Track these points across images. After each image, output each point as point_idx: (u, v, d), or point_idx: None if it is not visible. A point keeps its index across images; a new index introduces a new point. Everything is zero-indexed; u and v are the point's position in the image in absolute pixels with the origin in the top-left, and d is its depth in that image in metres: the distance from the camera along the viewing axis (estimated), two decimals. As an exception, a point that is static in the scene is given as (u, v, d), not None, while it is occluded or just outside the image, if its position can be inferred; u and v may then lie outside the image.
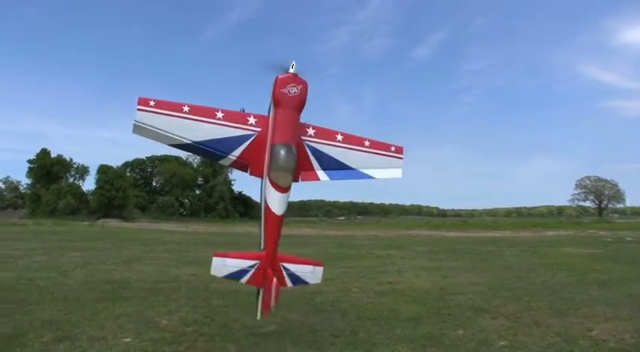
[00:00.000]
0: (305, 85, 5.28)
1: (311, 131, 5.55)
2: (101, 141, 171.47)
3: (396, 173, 5.93)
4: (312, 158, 5.52)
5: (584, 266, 15.63)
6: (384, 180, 6.01)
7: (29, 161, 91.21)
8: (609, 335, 7.10)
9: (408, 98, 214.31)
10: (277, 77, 5.26)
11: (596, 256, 19.34)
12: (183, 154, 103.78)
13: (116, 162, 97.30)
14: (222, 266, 5.03)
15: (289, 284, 5.35)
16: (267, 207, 5.21)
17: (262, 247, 5.27)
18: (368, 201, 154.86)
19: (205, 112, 5.16)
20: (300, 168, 5.42)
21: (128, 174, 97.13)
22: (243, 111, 5.36)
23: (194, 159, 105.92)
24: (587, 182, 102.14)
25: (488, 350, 6.53)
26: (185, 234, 38.56)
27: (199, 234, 40.95)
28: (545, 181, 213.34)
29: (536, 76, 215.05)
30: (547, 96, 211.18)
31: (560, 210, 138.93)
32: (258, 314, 5.34)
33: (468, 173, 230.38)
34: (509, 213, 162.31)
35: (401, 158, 5.96)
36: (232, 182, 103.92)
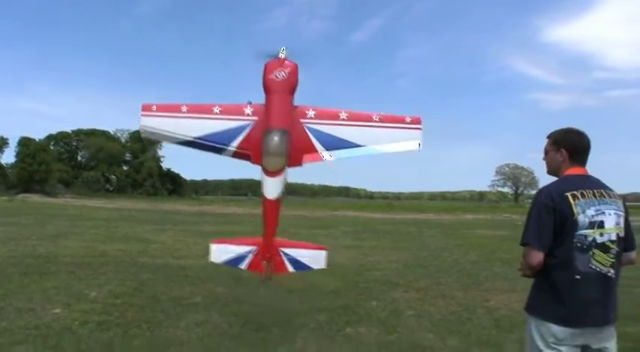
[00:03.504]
0: (294, 66, 5.31)
1: (311, 113, 5.51)
2: (23, 112, 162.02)
3: (412, 145, 5.53)
4: (313, 140, 5.44)
5: (493, 247, 16.96)
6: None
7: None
8: (502, 305, 8.00)
9: (345, 81, 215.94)
10: (266, 64, 5.32)
11: (505, 238, 20.82)
12: (111, 129, 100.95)
13: (39, 134, 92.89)
14: (221, 252, 5.14)
15: (290, 269, 5.37)
16: (262, 193, 5.32)
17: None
18: (298, 181, 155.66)
19: (203, 109, 5.29)
20: (302, 151, 5.40)
21: (52, 148, 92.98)
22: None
23: (122, 134, 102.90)
24: (506, 169, 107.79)
25: (397, 318, 7.21)
26: (111, 211, 37.76)
27: (126, 210, 40.16)
28: (469, 167, 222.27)
29: (467, 66, 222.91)
30: (476, 85, 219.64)
31: (482, 195, 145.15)
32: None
33: (397, 157, 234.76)
34: (434, 196, 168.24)
35: (419, 129, 5.58)
36: (161, 158, 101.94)
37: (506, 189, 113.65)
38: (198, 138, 5.22)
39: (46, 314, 6.74)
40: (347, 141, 5.46)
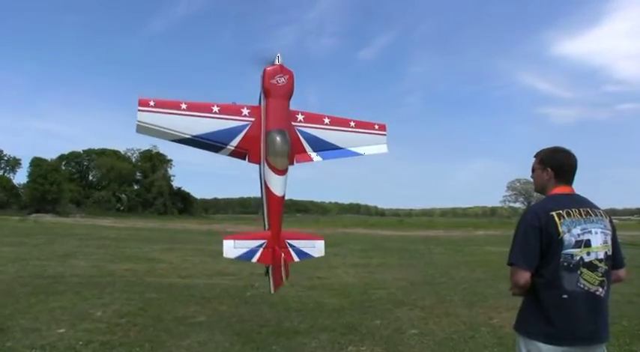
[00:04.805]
0: (291, 74, 5.56)
1: (300, 116, 5.84)
2: (35, 133, 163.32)
3: (381, 148, 6.20)
4: (303, 141, 5.79)
5: (500, 263, 16.67)
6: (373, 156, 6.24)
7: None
8: (506, 323, 7.91)
9: (353, 99, 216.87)
10: (265, 69, 5.52)
11: (513, 254, 20.73)
12: (121, 148, 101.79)
13: (51, 154, 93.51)
14: (233, 248, 5.22)
15: (296, 259, 5.53)
16: (268, 190, 5.48)
17: (266, 228, 5.54)
18: (308, 199, 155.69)
19: (202, 108, 5.40)
20: (294, 152, 5.67)
21: (63, 168, 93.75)
22: (234, 103, 5.63)
23: (133, 154, 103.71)
24: (518, 184, 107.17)
25: (400, 337, 7.22)
26: (121, 230, 37.95)
27: (136, 229, 40.37)
28: (480, 183, 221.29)
29: (475, 81, 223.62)
30: (485, 100, 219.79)
31: (494, 211, 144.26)
32: (271, 289, 5.59)
33: (408, 173, 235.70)
34: (444, 213, 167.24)
35: (384, 134, 6.22)
36: (172, 177, 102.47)
37: (517, 205, 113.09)
38: (197, 136, 5.35)
39: (51, 334, 6.82)
40: (329, 143, 5.92)
